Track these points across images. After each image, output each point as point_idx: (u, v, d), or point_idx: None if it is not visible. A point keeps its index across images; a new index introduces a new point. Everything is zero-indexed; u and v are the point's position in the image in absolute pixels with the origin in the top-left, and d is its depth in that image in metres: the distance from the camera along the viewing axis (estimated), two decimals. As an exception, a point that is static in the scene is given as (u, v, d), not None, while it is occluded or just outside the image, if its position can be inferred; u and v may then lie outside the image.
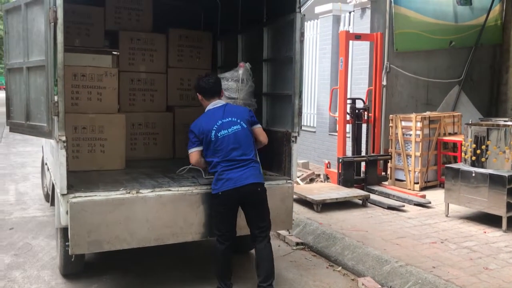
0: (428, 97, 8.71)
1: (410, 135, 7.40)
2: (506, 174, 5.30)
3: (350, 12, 8.60)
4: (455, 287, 3.85)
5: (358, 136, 7.53)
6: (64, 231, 3.88)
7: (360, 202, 6.56)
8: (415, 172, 7.37)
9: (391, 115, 7.74)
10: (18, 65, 4.01)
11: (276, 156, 4.48)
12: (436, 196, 6.80)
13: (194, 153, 3.92)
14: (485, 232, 5.34)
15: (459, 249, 4.78)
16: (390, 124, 7.73)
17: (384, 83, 7.93)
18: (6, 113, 4.32)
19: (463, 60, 9.01)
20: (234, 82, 4.47)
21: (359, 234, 5.22)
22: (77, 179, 4.02)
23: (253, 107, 4.56)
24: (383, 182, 7.47)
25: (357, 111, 7.47)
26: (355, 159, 7.35)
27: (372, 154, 7.51)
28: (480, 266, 4.34)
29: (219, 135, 3.79)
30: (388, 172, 7.72)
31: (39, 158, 8.30)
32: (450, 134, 7.78)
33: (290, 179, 4.32)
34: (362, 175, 7.47)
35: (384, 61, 7.90)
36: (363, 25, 8.07)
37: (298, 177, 7.89)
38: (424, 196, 6.87)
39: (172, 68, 5.83)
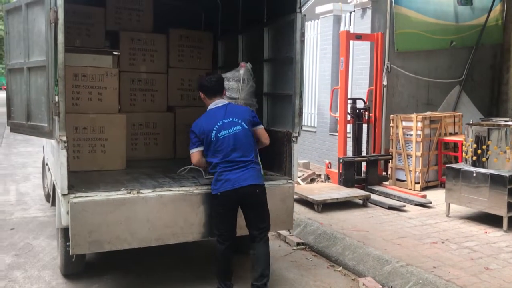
0: (428, 97, 8.71)
1: (411, 135, 7.40)
2: (507, 174, 5.29)
3: (350, 12, 8.60)
4: (456, 287, 3.85)
5: (359, 136, 7.53)
6: (65, 231, 3.88)
7: (361, 202, 6.56)
8: (416, 172, 7.37)
9: (391, 115, 7.74)
10: (19, 66, 4.01)
11: (276, 156, 4.48)
12: (437, 196, 6.80)
13: (195, 153, 3.91)
14: (486, 232, 5.34)
15: (460, 249, 4.78)
16: (391, 124, 7.72)
17: (385, 83, 7.93)
18: (7, 114, 4.33)
19: (463, 60, 9.01)
20: (235, 82, 4.48)
21: (360, 234, 5.22)
22: (78, 179, 4.02)
23: (254, 107, 4.56)
24: (383, 182, 7.47)
25: (357, 111, 7.47)
26: (355, 159, 7.35)
27: (373, 154, 7.51)
28: (481, 266, 4.34)
29: (219, 135, 3.79)
30: (389, 172, 7.72)
31: (40, 159, 8.31)
32: (451, 134, 7.77)
33: (291, 179, 4.32)
34: (363, 175, 7.46)
35: (385, 61, 7.89)
36: (364, 25, 8.07)
37: (298, 177, 7.89)
38: (425, 196, 6.87)
39: (172, 68, 5.84)
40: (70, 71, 4.51)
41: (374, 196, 6.77)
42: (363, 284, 4.18)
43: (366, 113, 7.52)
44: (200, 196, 3.92)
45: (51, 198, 5.53)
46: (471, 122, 6.19)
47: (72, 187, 3.67)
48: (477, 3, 9.05)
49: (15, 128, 4.22)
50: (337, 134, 7.95)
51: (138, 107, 5.60)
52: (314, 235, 5.36)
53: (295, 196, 5.67)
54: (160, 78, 5.75)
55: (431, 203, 6.57)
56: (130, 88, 5.56)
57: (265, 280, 3.75)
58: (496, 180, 5.35)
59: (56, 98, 3.42)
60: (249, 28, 5.27)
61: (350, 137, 7.72)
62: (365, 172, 7.45)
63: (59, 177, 3.56)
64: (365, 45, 7.99)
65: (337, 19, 9.03)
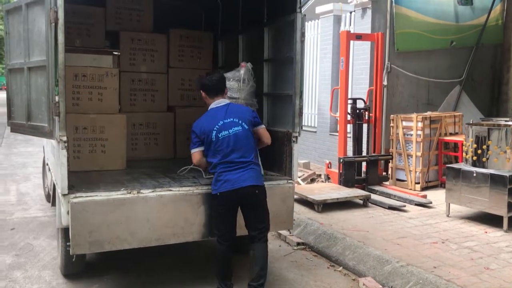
0: (429, 97, 8.71)
1: (411, 135, 7.40)
2: (507, 174, 5.29)
3: (351, 12, 8.61)
4: (456, 287, 3.85)
5: (359, 136, 7.53)
6: (65, 231, 3.88)
7: (361, 202, 6.56)
8: (416, 172, 7.37)
9: (392, 115, 7.74)
10: (19, 66, 4.02)
11: (277, 156, 4.48)
12: (437, 196, 6.80)
13: (196, 153, 3.91)
14: (486, 232, 5.34)
15: (460, 249, 4.78)
16: (391, 124, 7.72)
17: (385, 83, 7.93)
18: (7, 114, 4.33)
19: (464, 60, 9.01)
20: (236, 82, 4.48)
21: (360, 234, 5.22)
22: (78, 179, 4.02)
23: (254, 107, 4.56)
24: (384, 182, 7.47)
25: (358, 111, 7.47)
26: (356, 159, 7.35)
27: (373, 154, 7.51)
28: (481, 266, 4.34)
29: (220, 136, 3.78)
30: (389, 172, 7.72)
31: (40, 159, 8.31)
32: (451, 134, 7.77)
33: (291, 179, 4.32)
34: (363, 175, 7.46)
35: (385, 61, 7.89)
36: (364, 25, 8.07)
37: (299, 177, 7.89)
38: (425, 196, 6.87)
39: (173, 68, 5.84)
40: (70, 71, 4.51)
41: (374, 196, 6.77)
42: (363, 284, 4.18)
43: (366, 113, 7.52)
44: (200, 196, 3.92)
45: (51, 198, 5.53)
46: (471, 122, 6.19)
47: (73, 187, 3.67)
48: (477, 3, 9.05)
49: (16, 128, 4.22)
50: (337, 134, 7.95)
51: (138, 107, 5.60)
52: (314, 235, 5.36)
53: (295, 196, 5.68)
54: (160, 78, 5.75)
55: (431, 203, 6.57)
56: (130, 88, 5.56)
57: (262, 281, 3.74)
58: (496, 180, 5.35)
59: (56, 98, 3.42)
60: (249, 28, 5.27)
61: (350, 137, 7.72)
62: (365, 172, 7.45)
63: (59, 177, 3.56)
64: (365, 45, 7.99)
65: (337, 19, 9.03)
